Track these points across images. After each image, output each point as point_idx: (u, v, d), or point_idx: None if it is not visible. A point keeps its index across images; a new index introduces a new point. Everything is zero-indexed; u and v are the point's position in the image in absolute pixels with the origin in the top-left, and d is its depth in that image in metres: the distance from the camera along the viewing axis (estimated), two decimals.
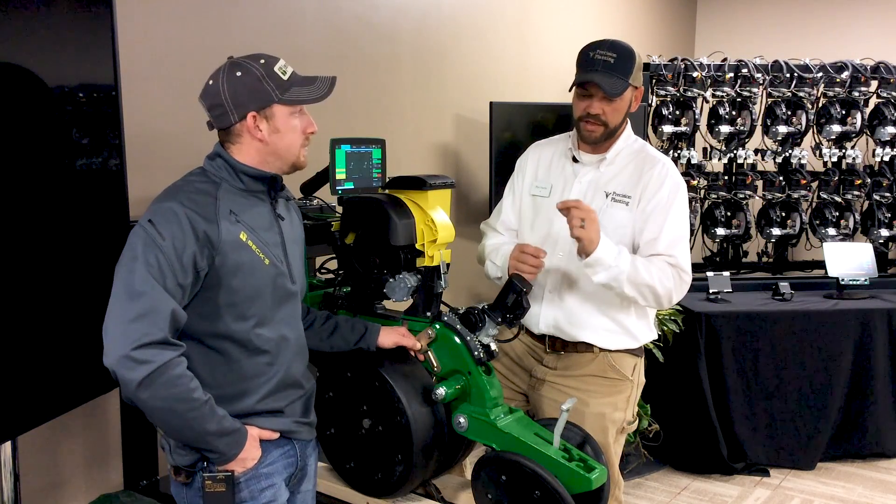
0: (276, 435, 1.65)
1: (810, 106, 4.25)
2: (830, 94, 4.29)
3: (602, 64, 2.09)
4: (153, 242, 1.46)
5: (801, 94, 4.22)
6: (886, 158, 4.35)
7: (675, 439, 3.71)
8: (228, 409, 1.57)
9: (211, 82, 1.58)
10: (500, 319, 1.93)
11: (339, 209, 2.13)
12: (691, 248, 2.19)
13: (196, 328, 1.54)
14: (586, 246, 1.97)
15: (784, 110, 4.23)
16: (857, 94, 4.28)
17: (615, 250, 2.01)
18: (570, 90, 2.18)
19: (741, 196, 4.23)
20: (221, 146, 1.62)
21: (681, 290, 2.12)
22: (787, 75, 4.20)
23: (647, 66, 4.07)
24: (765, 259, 4.42)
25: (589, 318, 2.18)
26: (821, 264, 4.09)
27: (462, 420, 1.89)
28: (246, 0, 2.71)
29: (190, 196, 1.53)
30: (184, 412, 1.46)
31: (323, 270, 2.30)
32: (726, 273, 3.99)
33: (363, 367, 1.93)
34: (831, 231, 4.35)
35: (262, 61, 1.57)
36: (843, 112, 4.30)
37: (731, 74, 4.15)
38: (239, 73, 1.56)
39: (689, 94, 4.11)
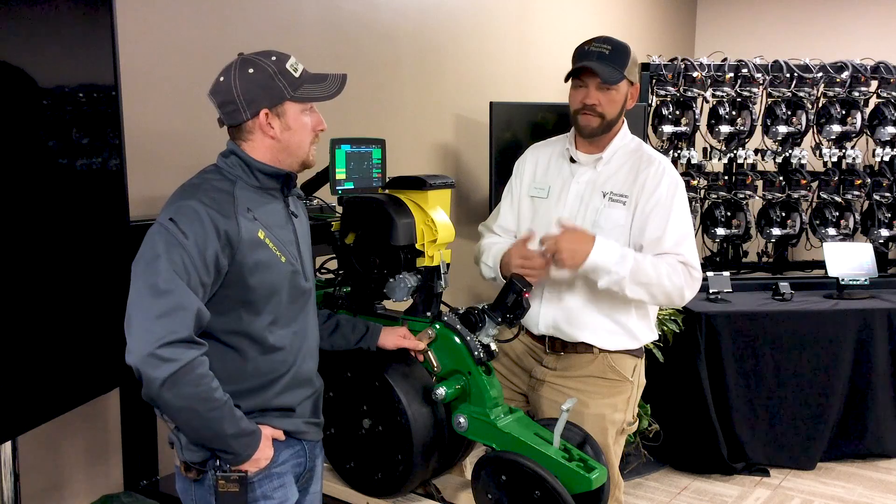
0: (284, 436, 1.64)
1: (810, 106, 4.25)
2: (830, 94, 4.29)
3: (597, 55, 2.11)
4: (176, 241, 1.44)
5: (801, 94, 4.22)
6: (886, 158, 4.35)
7: (675, 439, 3.71)
8: (243, 406, 1.57)
9: (222, 79, 1.57)
10: (500, 319, 1.93)
11: (339, 209, 2.13)
12: None
13: (212, 325, 1.52)
14: (567, 268, 2.03)
15: (784, 110, 4.23)
16: (857, 94, 4.28)
17: (616, 256, 2.01)
18: (566, 80, 2.19)
19: (741, 196, 4.23)
20: (234, 143, 1.61)
21: (692, 286, 2.11)
22: (787, 75, 4.20)
23: (647, 66, 4.07)
24: (765, 259, 4.42)
25: (589, 319, 2.18)
26: (821, 264, 4.09)
27: (462, 420, 1.89)
28: (246, 0, 2.71)
29: (209, 194, 1.52)
30: (204, 412, 1.45)
31: (323, 270, 2.30)
32: (726, 273, 3.99)
33: (363, 367, 1.93)
34: (831, 231, 4.35)
35: (274, 58, 1.57)
36: (843, 112, 4.30)
37: (731, 74, 4.15)
38: (251, 70, 1.54)
39: (689, 94, 4.11)
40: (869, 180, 4.33)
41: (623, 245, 2.14)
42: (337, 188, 2.15)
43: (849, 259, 4.02)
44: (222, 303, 1.53)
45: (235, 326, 1.56)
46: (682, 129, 4.10)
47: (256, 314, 1.57)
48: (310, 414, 1.72)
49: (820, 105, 4.32)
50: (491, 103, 3.54)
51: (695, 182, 4.11)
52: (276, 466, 1.63)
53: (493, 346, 1.95)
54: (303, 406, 1.69)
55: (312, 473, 1.76)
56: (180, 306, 1.42)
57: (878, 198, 4.34)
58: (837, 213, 4.38)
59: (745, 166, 4.28)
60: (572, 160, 2.25)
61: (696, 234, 4.12)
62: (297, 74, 1.57)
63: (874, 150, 4.35)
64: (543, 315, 2.22)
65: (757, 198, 4.29)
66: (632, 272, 2.01)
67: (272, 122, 1.57)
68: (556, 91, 3.89)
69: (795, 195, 4.30)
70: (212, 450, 1.55)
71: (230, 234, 1.50)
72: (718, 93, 4.16)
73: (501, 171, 3.34)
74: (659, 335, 3.07)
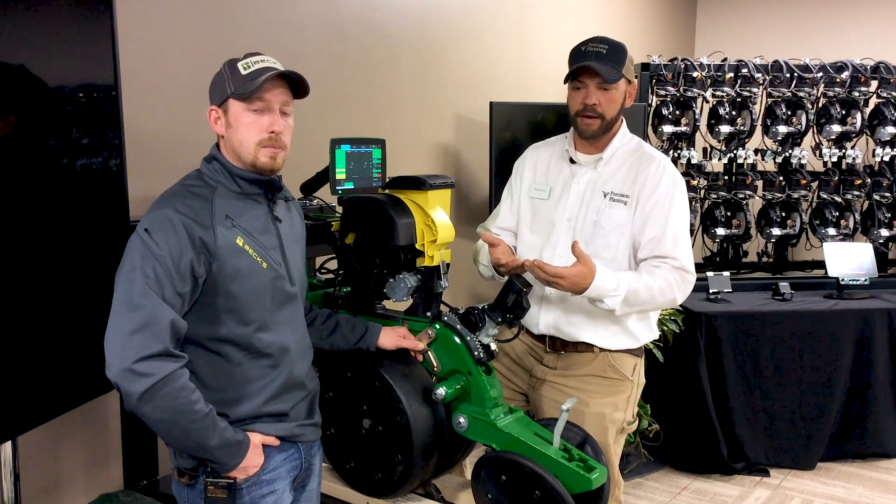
0: (278, 441, 1.64)
1: (810, 106, 4.25)
2: (830, 94, 4.30)
3: (594, 54, 2.11)
4: (150, 252, 1.45)
5: (801, 94, 4.22)
6: (886, 158, 4.35)
7: (675, 439, 3.71)
8: (231, 413, 1.57)
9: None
10: (500, 319, 1.93)
11: (339, 209, 2.13)
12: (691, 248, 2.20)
13: (198, 332, 1.53)
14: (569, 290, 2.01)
15: (784, 110, 4.23)
16: (857, 94, 4.28)
17: (613, 284, 2.01)
18: (564, 82, 2.19)
19: (741, 196, 4.23)
20: (217, 147, 1.62)
21: (685, 291, 2.12)
22: (787, 75, 4.20)
23: (647, 66, 4.07)
24: (765, 259, 4.42)
25: (589, 319, 2.18)
26: (821, 264, 4.09)
27: (462, 420, 1.89)
28: (246, 0, 2.71)
29: (185, 202, 1.52)
30: (185, 424, 1.46)
31: (323, 270, 2.30)
32: (726, 273, 3.99)
33: (363, 367, 1.92)
34: (831, 231, 4.35)
35: (240, 58, 1.57)
36: (843, 112, 4.30)
37: (731, 74, 4.15)
38: (217, 72, 1.59)
39: (689, 94, 4.12)
40: (869, 180, 4.33)
41: (625, 245, 2.14)
42: (337, 188, 2.15)
43: (849, 259, 4.02)
44: (206, 310, 1.54)
45: (221, 333, 1.56)
46: (682, 129, 4.10)
47: (241, 321, 1.57)
48: (304, 416, 1.71)
49: (820, 105, 4.32)
50: (491, 103, 3.54)
51: (695, 182, 4.11)
52: (266, 473, 1.62)
53: (493, 346, 1.95)
54: (296, 409, 1.69)
55: (309, 472, 1.76)
56: (154, 320, 1.43)
57: (878, 198, 4.34)
58: (837, 213, 4.38)
59: (745, 166, 4.28)
60: (572, 161, 2.25)
61: (696, 234, 4.14)
62: (244, 72, 1.54)
63: (874, 150, 4.35)
64: (544, 315, 2.22)
65: (757, 198, 4.29)
66: (624, 300, 2.02)
67: (219, 120, 1.58)
68: (556, 91, 3.88)
69: (795, 195, 4.30)
70: (199, 458, 1.55)
71: (206, 242, 1.50)
72: (718, 93, 4.16)
73: (501, 171, 3.34)
74: (659, 335, 3.08)
